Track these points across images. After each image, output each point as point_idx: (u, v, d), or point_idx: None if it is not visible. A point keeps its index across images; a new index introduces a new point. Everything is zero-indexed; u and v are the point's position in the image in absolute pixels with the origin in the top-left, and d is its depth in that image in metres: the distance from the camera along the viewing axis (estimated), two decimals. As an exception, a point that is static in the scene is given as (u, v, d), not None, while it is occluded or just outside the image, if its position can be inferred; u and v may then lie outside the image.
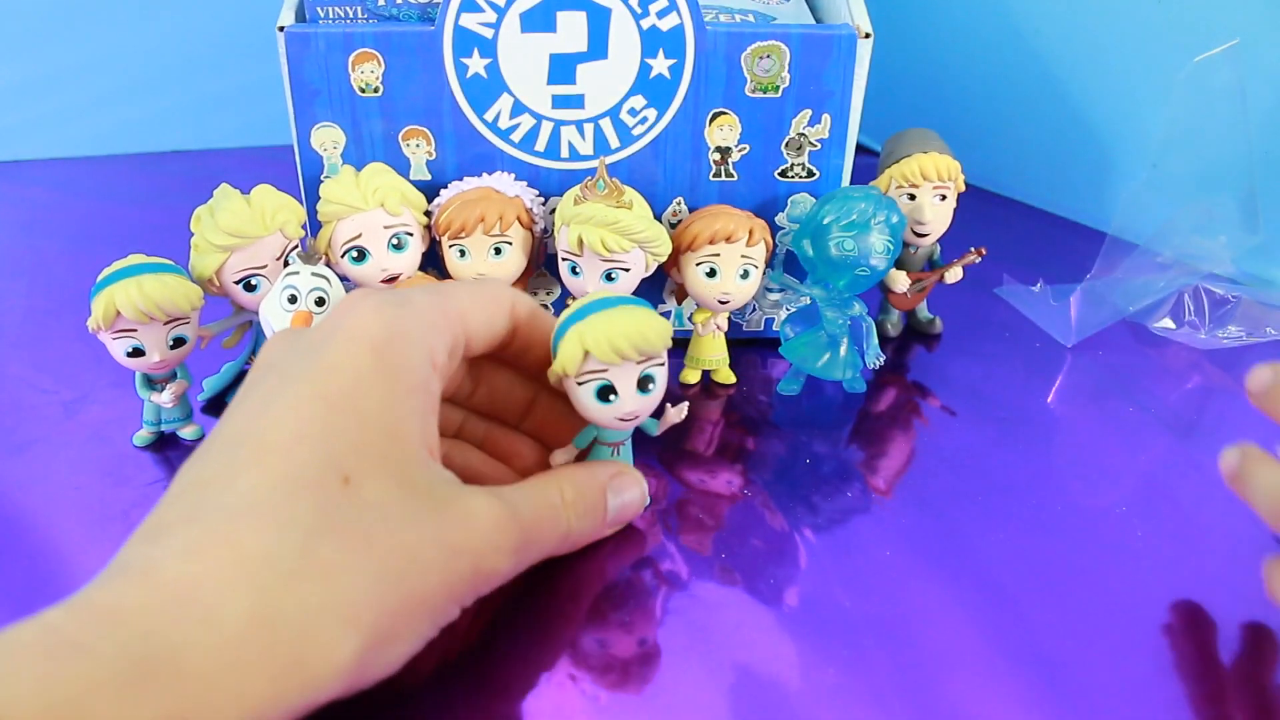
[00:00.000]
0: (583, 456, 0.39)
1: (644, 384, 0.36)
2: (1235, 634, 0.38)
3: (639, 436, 0.39)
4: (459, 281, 0.40)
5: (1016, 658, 0.36)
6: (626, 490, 0.38)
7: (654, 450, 0.46)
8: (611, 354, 0.34)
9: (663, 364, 0.36)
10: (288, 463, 0.28)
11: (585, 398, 0.36)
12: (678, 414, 0.39)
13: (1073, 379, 0.52)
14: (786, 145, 0.48)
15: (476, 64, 0.46)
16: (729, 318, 0.50)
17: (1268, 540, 0.42)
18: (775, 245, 0.50)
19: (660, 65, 0.46)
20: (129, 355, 0.42)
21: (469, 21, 0.45)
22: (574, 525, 0.36)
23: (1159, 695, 0.35)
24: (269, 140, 0.70)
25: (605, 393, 0.35)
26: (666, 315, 0.53)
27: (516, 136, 0.48)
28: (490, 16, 0.45)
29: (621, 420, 0.36)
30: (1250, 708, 0.35)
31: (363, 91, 0.47)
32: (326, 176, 0.48)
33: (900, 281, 0.52)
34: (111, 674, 0.23)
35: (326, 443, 0.28)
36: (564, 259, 0.46)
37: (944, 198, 0.50)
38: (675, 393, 0.50)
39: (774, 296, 0.52)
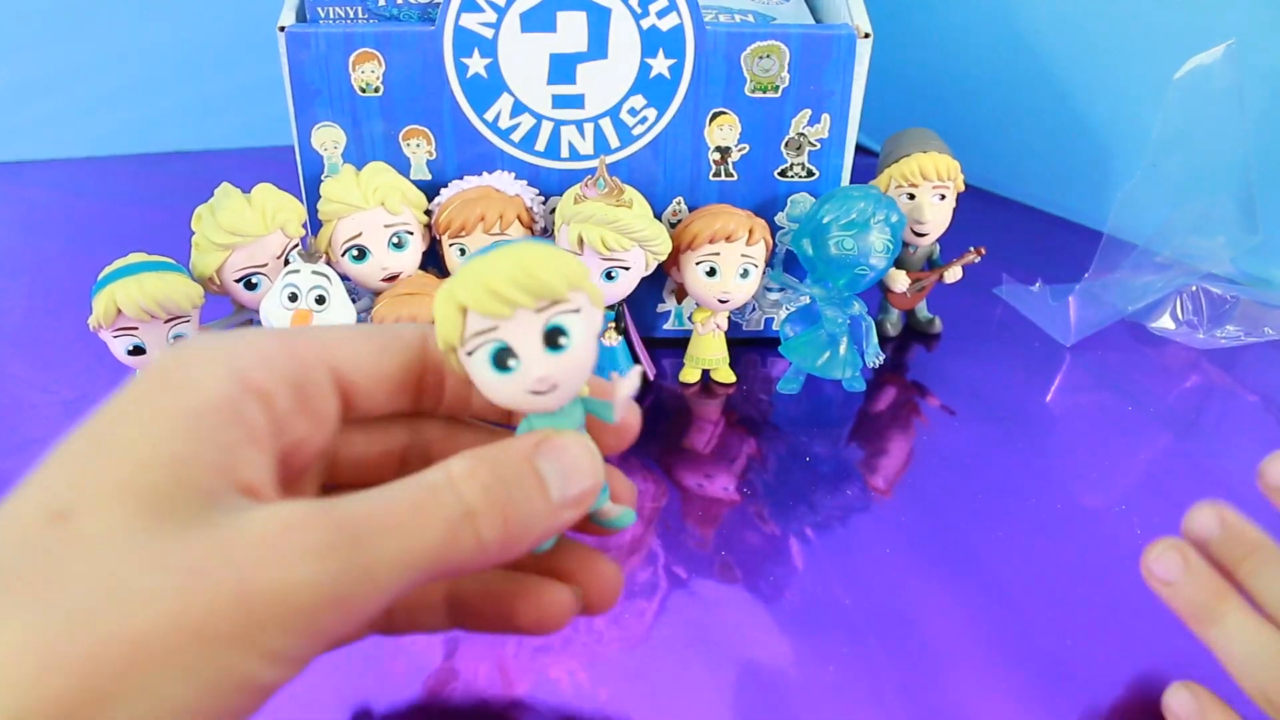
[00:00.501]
0: None
1: (552, 339, 0.26)
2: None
3: (606, 433, 0.30)
4: (347, 324, 0.32)
5: (1015, 655, 0.37)
6: (564, 454, 0.27)
7: (653, 450, 0.46)
8: (491, 301, 0.25)
9: (577, 310, 0.26)
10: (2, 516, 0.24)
11: (481, 370, 0.26)
12: (630, 384, 0.28)
13: (1071, 378, 0.52)
14: (786, 145, 0.48)
15: (477, 64, 0.46)
16: (729, 317, 0.51)
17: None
18: (775, 244, 0.51)
19: (660, 65, 0.46)
20: (130, 353, 0.42)
21: (469, 21, 0.45)
22: (479, 504, 0.25)
23: (1157, 693, 0.35)
24: (270, 140, 0.70)
25: (502, 358, 0.26)
26: (666, 315, 0.53)
27: (517, 136, 0.48)
28: (490, 16, 0.45)
29: (535, 394, 0.26)
30: (1249, 703, 0.35)
31: (363, 91, 0.47)
32: (327, 176, 0.48)
33: (900, 281, 0.52)
34: None
35: (44, 482, 0.24)
36: (564, 258, 0.46)
37: (943, 197, 0.51)
38: (675, 392, 0.50)
39: (774, 296, 0.53)
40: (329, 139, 0.48)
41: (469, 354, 0.26)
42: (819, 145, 0.48)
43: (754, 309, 0.53)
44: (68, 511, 0.23)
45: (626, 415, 0.29)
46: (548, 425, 0.28)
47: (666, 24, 0.45)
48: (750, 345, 0.54)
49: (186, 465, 0.24)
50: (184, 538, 0.23)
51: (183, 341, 0.27)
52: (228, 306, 0.47)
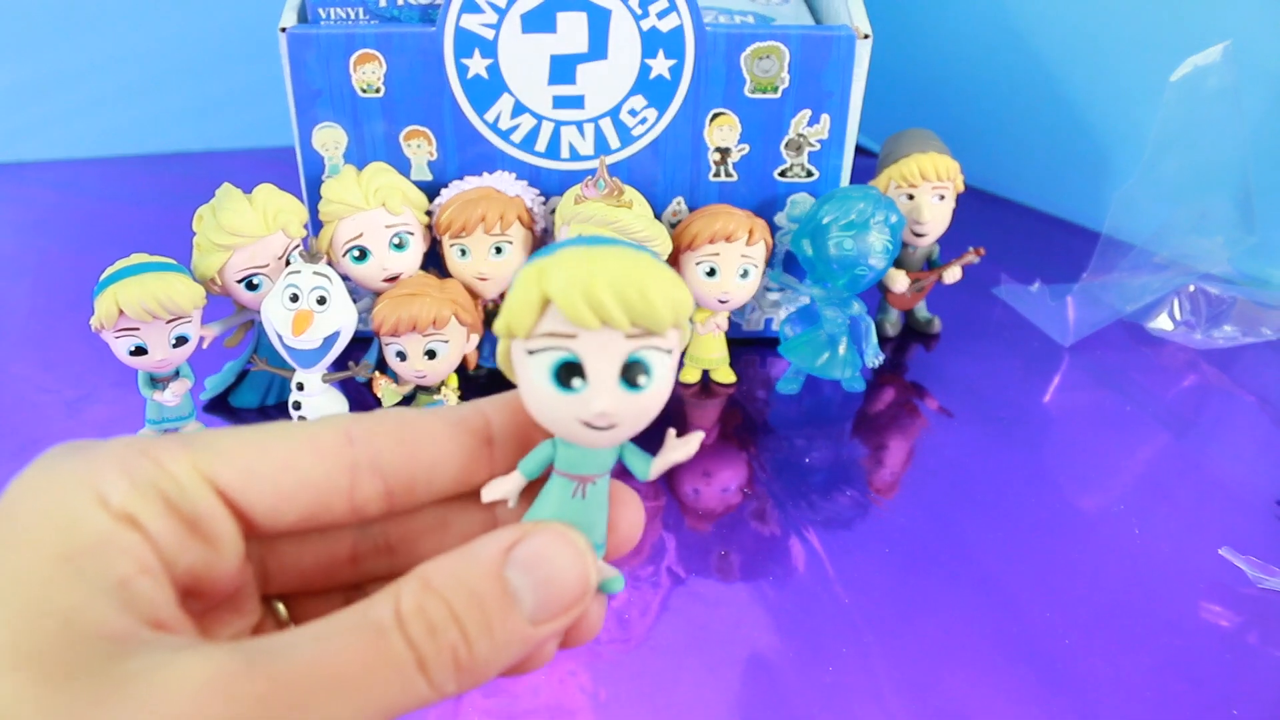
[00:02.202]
0: (534, 492, 0.24)
1: (632, 374, 0.22)
2: (1233, 631, 0.38)
3: (623, 476, 0.25)
4: (241, 430, 0.25)
5: (1014, 654, 0.37)
6: (544, 562, 0.22)
7: (652, 450, 0.46)
8: (583, 307, 0.21)
9: (669, 352, 0.22)
10: None
11: (535, 377, 0.22)
12: (683, 449, 0.25)
13: (1070, 378, 0.52)
14: (786, 145, 0.49)
15: (477, 64, 0.46)
16: (729, 317, 0.51)
17: (1263, 537, 0.42)
18: (775, 245, 0.51)
19: (660, 66, 0.46)
20: (132, 354, 0.42)
21: (470, 22, 0.45)
22: (427, 645, 0.21)
23: (1156, 692, 0.35)
24: (271, 141, 0.70)
25: (566, 373, 0.22)
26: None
27: (517, 137, 0.48)
28: (491, 17, 0.45)
29: (588, 427, 0.22)
30: (1248, 703, 0.35)
31: (364, 92, 0.47)
32: (328, 176, 0.48)
33: (899, 281, 0.52)
34: None
35: None
36: (564, 258, 0.47)
37: (942, 198, 0.51)
38: (675, 392, 0.51)
39: (773, 296, 0.53)
40: (330, 139, 0.48)
41: (530, 352, 0.22)
42: (818, 146, 0.49)
43: (754, 309, 0.53)
44: None
45: (633, 525, 0.25)
46: (575, 458, 0.24)
47: (666, 25, 0.45)
48: (750, 345, 0.54)
49: (80, 615, 0.21)
50: (100, 705, 0.20)
51: (35, 468, 0.23)
52: (229, 307, 0.47)
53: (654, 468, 0.25)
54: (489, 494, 0.24)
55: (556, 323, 0.22)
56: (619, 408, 0.22)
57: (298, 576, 0.26)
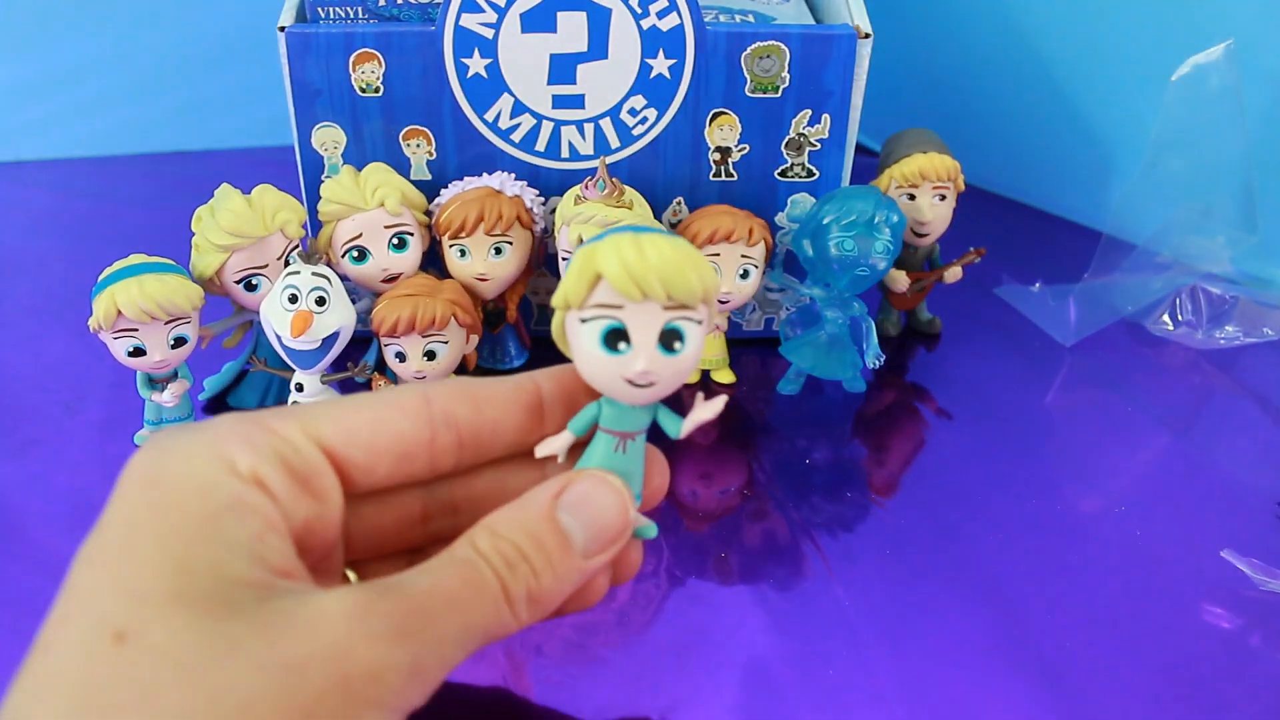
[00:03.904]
0: (579, 451, 0.29)
1: (668, 340, 0.27)
2: (1235, 634, 0.38)
3: (656, 436, 0.30)
4: (339, 399, 0.30)
5: (1015, 656, 0.37)
6: (589, 502, 0.27)
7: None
8: (629, 284, 0.26)
9: (699, 323, 0.27)
10: (49, 654, 0.23)
11: (587, 342, 0.27)
12: (710, 409, 0.28)
13: (1071, 378, 0.52)
14: (786, 145, 0.48)
15: (477, 64, 0.46)
16: (729, 317, 0.51)
17: (1266, 538, 0.42)
18: (775, 245, 0.51)
19: (660, 65, 0.46)
20: (130, 355, 0.42)
21: (469, 22, 0.45)
22: (509, 577, 0.26)
23: (1157, 694, 0.35)
24: (270, 140, 0.70)
25: (614, 339, 0.27)
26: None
27: (517, 136, 0.48)
28: (491, 17, 0.45)
29: (631, 384, 0.27)
30: (1250, 705, 0.35)
31: (363, 91, 0.47)
32: (327, 176, 0.48)
33: (900, 281, 0.52)
34: None
35: (91, 606, 0.24)
36: (564, 259, 0.47)
37: (943, 198, 0.51)
38: (676, 393, 0.50)
39: (774, 296, 0.53)
40: (329, 139, 0.48)
41: (583, 320, 0.27)
42: (819, 145, 0.48)
43: (754, 309, 0.53)
44: (129, 631, 0.23)
45: (663, 479, 0.31)
46: (618, 416, 0.28)
47: (667, 24, 0.45)
48: (750, 346, 0.54)
49: (225, 566, 0.24)
50: (264, 635, 0.23)
51: (163, 438, 0.26)
52: (228, 308, 0.47)
53: (684, 427, 0.29)
54: (542, 450, 0.29)
55: (606, 295, 0.26)
56: (657, 368, 0.27)
57: (377, 536, 0.30)
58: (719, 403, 0.28)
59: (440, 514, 0.30)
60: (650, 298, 0.26)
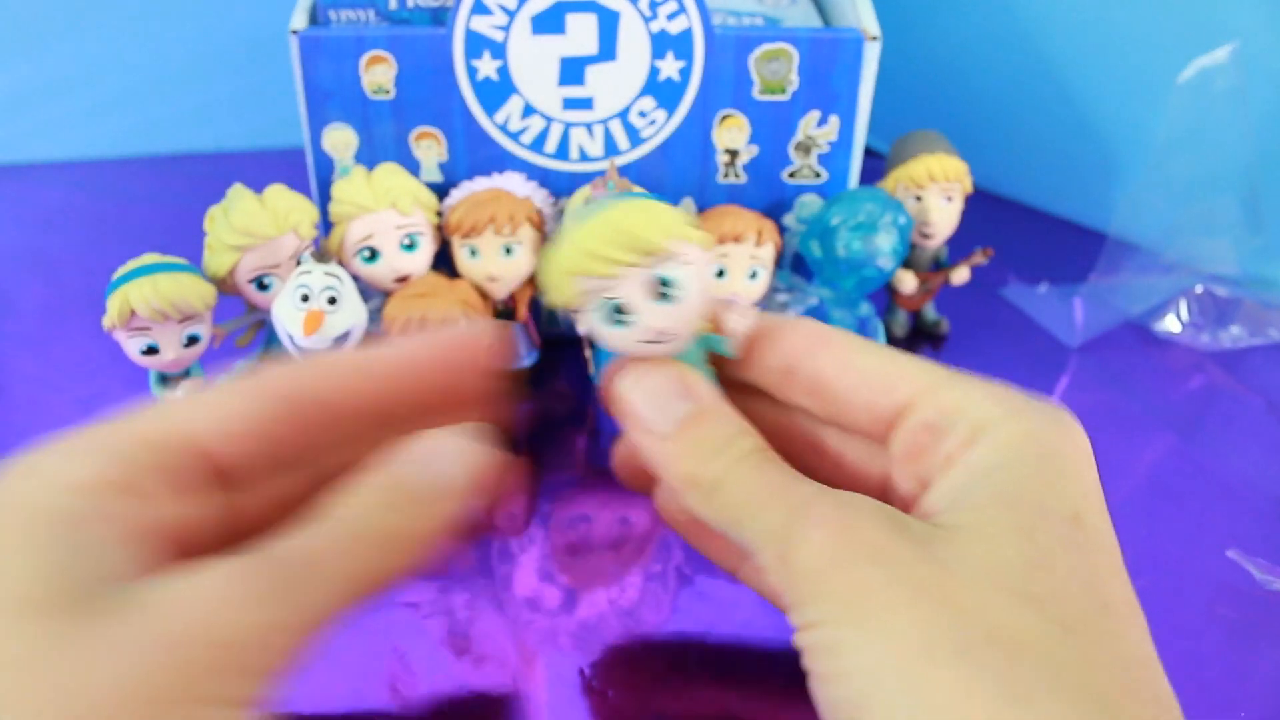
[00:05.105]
0: None
1: (660, 291, 0.27)
2: (1238, 634, 0.38)
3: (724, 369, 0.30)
4: (199, 390, 0.31)
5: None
6: (441, 455, 0.28)
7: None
8: (593, 264, 0.27)
9: (687, 264, 0.28)
10: None
11: (599, 327, 0.28)
12: (742, 320, 0.30)
13: (1077, 379, 0.53)
14: (795, 147, 0.49)
15: (487, 66, 0.46)
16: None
17: (1272, 538, 0.42)
18: (783, 246, 0.51)
19: (669, 68, 0.46)
20: (143, 354, 0.42)
21: (480, 24, 0.45)
22: (374, 529, 0.26)
23: (1162, 691, 0.35)
24: (281, 142, 0.70)
25: (616, 314, 0.28)
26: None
27: (527, 138, 0.48)
28: (501, 19, 0.45)
29: (649, 344, 0.28)
30: (1257, 705, 0.35)
31: (374, 94, 0.47)
32: (338, 177, 0.48)
33: (908, 282, 0.52)
34: None
35: None
36: (573, 259, 0.47)
37: (950, 199, 0.51)
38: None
39: (782, 297, 0.53)
40: (340, 141, 0.48)
41: (585, 312, 0.28)
42: (827, 147, 0.49)
43: (762, 309, 0.53)
44: None
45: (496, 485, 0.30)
46: None
47: (676, 27, 0.46)
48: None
49: (79, 569, 0.23)
50: (121, 626, 0.22)
51: (12, 463, 0.25)
52: (240, 307, 0.48)
53: (733, 344, 0.30)
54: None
55: (588, 284, 0.27)
56: (662, 321, 0.27)
57: (281, 510, 0.28)
58: (748, 310, 0.30)
59: (323, 487, 0.29)
60: (621, 264, 0.27)
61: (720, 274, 0.47)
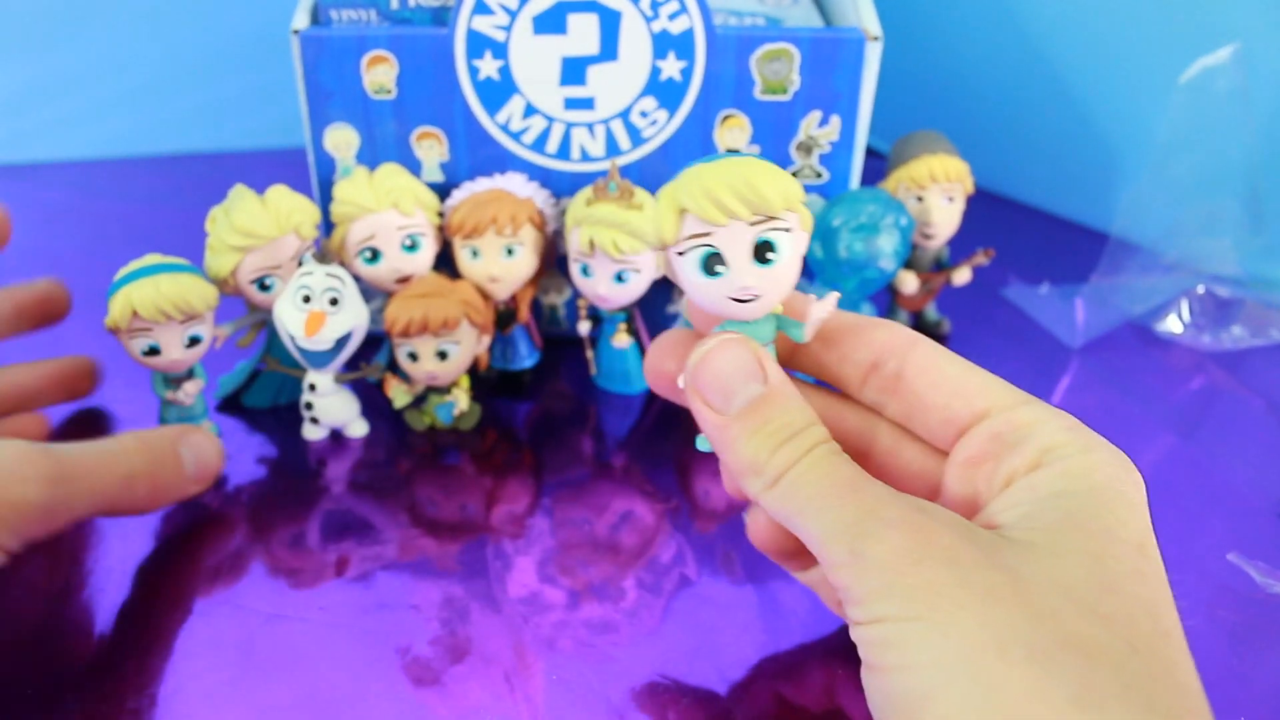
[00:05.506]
0: None
1: (761, 253, 0.28)
2: (1238, 637, 0.38)
3: (791, 354, 0.32)
4: None
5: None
6: (200, 446, 0.40)
7: (664, 451, 0.47)
8: (710, 207, 0.27)
9: (788, 230, 0.28)
10: None
11: (690, 272, 0.28)
12: (824, 307, 0.30)
13: (1078, 380, 0.53)
14: (796, 147, 0.49)
15: (489, 66, 0.46)
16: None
17: (1273, 541, 0.42)
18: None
19: (671, 68, 0.46)
20: (145, 354, 0.42)
21: (481, 24, 0.45)
22: (138, 467, 0.37)
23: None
24: (283, 142, 0.70)
25: (711, 263, 0.28)
26: (677, 317, 0.53)
27: (528, 138, 0.48)
28: (502, 19, 0.45)
29: (735, 301, 0.28)
30: (1257, 709, 0.35)
31: (376, 93, 0.47)
32: (340, 178, 0.49)
33: (909, 283, 0.52)
34: None
35: None
36: (575, 260, 0.47)
37: (952, 200, 0.51)
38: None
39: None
40: (342, 141, 0.48)
41: (680, 254, 0.28)
42: (828, 148, 0.49)
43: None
44: None
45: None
46: (742, 332, 0.29)
47: (677, 27, 0.46)
48: (759, 346, 0.54)
49: None
50: None
51: None
52: (242, 307, 0.48)
53: (808, 330, 0.30)
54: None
55: (694, 225, 0.28)
56: (755, 281, 0.28)
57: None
58: (832, 299, 0.30)
59: None
60: (735, 217, 0.27)
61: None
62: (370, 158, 0.49)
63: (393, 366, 0.47)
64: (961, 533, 0.25)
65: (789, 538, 0.31)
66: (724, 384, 0.28)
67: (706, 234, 0.28)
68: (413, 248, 0.46)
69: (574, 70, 0.47)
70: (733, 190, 0.27)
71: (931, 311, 0.56)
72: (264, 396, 0.49)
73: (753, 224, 0.28)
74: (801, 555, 0.32)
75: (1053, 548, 0.25)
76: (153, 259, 0.43)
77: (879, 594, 0.25)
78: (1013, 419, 0.28)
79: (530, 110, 0.47)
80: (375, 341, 0.50)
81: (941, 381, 0.30)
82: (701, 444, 0.35)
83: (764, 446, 0.28)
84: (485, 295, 0.47)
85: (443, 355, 0.45)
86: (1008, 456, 0.28)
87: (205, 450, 0.40)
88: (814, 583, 0.34)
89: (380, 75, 0.47)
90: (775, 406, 0.28)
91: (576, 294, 0.51)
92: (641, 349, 0.50)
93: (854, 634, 0.26)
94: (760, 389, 0.28)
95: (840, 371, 0.32)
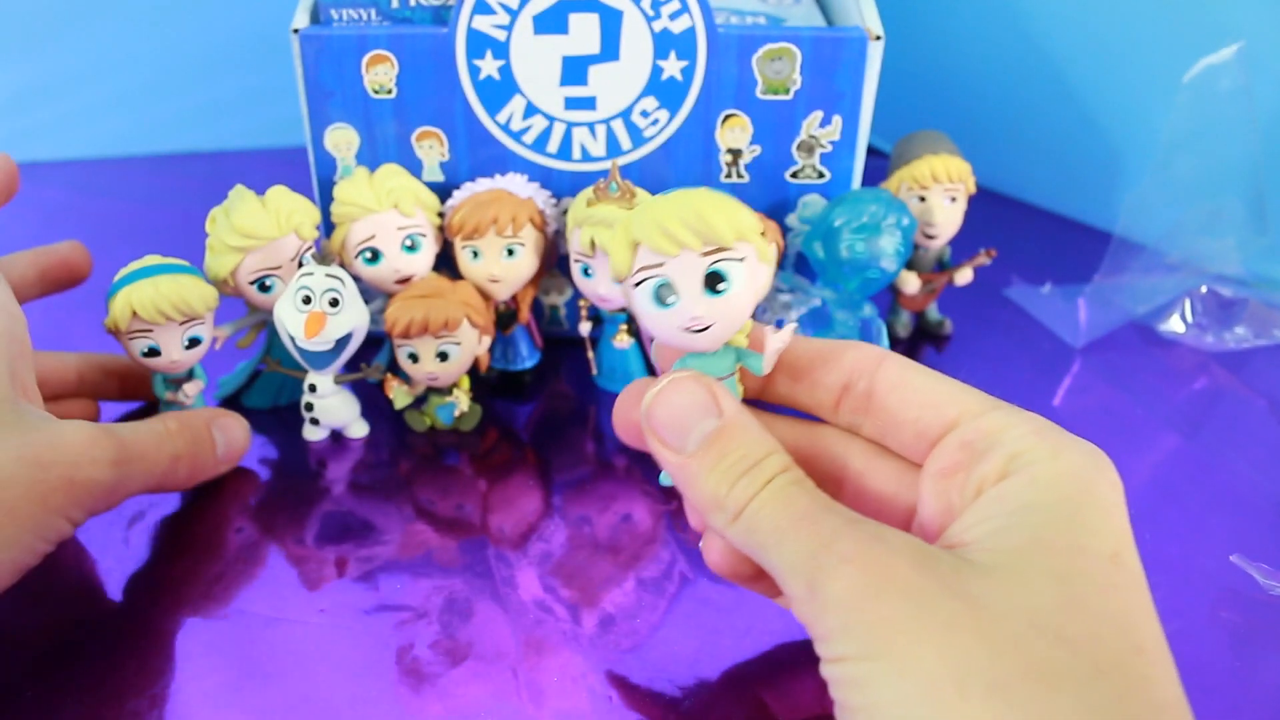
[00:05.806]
0: None
1: (712, 282, 0.28)
2: (1241, 639, 0.38)
3: (763, 388, 0.32)
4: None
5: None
6: (230, 429, 0.43)
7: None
8: (660, 238, 0.28)
9: (741, 260, 0.28)
10: None
11: (643, 303, 0.29)
12: (781, 339, 0.30)
13: (1081, 380, 0.52)
14: (798, 147, 0.49)
15: (489, 66, 0.46)
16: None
17: (1276, 543, 0.42)
18: (786, 246, 0.51)
19: (672, 67, 0.46)
20: (145, 355, 0.42)
21: (482, 24, 0.45)
22: (181, 448, 0.40)
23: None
24: (283, 142, 0.70)
25: (663, 294, 0.29)
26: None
27: (529, 138, 0.48)
28: (503, 19, 0.45)
29: (687, 332, 0.29)
30: (1259, 711, 0.35)
31: (376, 93, 0.47)
32: (340, 178, 0.48)
33: (911, 283, 0.52)
34: None
35: None
36: (576, 260, 0.47)
37: (954, 200, 0.51)
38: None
39: (785, 298, 0.53)
40: (342, 141, 0.48)
41: (635, 285, 0.29)
42: (830, 147, 0.49)
43: (764, 311, 0.53)
44: None
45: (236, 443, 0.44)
46: (700, 366, 0.30)
47: (678, 26, 0.45)
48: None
49: None
50: (20, 438, 0.34)
51: None
52: (242, 308, 0.48)
53: (766, 361, 0.30)
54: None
55: (647, 257, 0.28)
56: (706, 310, 0.28)
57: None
58: (788, 331, 0.30)
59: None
60: (685, 247, 0.28)
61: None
62: (370, 158, 0.48)
63: (393, 367, 0.47)
64: (919, 561, 0.25)
65: (746, 563, 0.31)
66: (679, 422, 0.28)
67: (659, 264, 0.28)
68: (413, 248, 0.46)
69: (575, 70, 0.46)
70: (683, 221, 0.27)
71: (933, 312, 0.56)
72: (264, 397, 0.49)
73: (704, 254, 0.28)
74: (763, 579, 0.31)
75: (1016, 570, 0.25)
76: (152, 260, 0.43)
77: (838, 633, 0.25)
78: (981, 426, 0.28)
79: (531, 110, 0.47)
80: (376, 342, 0.50)
81: (911, 395, 0.30)
82: (664, 479, 0.36)
83: (723, 480, 0.27)
84: (486, 296, 0.47)
85: (443, 356, 0.44)
86: (977, 465, 0.27)
87: (234, 432, 0.43)
88: (788, 606, 0.34)
89: (380, 75, 0.47)
90: (732, 439, 0.28)
91: (577, 294, 0.51)
92: (642, 349, 0.50)
93: (822, 671, 0.26)
94: (715, 423, 0.28)
95: (814, 398, 0.32)
